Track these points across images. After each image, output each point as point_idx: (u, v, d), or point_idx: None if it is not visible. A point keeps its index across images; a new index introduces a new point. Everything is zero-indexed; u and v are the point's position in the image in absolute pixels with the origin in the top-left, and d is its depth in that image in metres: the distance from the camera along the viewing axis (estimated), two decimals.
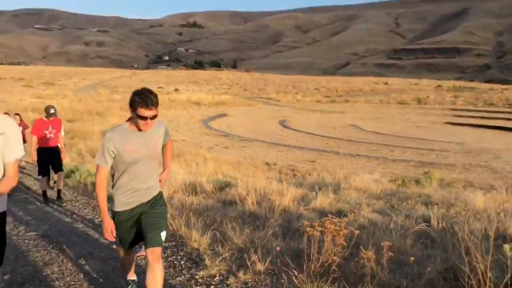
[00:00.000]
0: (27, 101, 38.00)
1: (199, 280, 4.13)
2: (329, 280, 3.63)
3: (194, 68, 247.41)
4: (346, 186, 8.78)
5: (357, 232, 3.98)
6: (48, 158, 7.88)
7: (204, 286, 3.99)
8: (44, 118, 7.90)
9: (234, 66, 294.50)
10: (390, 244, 3.69)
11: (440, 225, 5.03)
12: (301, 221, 4.86)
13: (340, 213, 6.01)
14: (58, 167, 7.98)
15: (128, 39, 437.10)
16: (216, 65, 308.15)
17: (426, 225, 4.82)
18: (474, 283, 3.23)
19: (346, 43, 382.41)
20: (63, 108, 31.69)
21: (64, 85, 75.10)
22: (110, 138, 3.20)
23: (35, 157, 7.97)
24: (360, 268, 3.80)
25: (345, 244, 3.88)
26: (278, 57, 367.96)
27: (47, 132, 7.80)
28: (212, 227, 5.36)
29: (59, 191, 7.97)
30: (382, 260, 3.67)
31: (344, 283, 3.64)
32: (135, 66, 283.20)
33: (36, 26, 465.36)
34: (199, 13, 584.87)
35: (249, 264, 4.24)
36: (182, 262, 4.65)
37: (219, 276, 4.16)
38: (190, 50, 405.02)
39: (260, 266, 4.17)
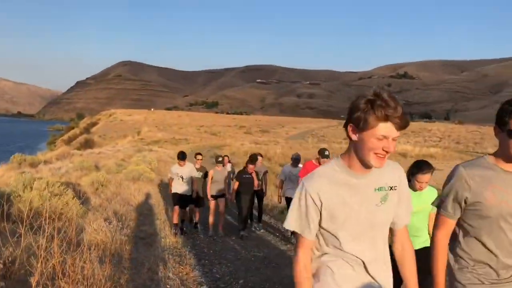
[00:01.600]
0: (246, 146, 43.04)
1: None
2: None
3: None
4: None
5: None
6: None
7: None
8: (315, 162, 7.63)
9: (447, 118, 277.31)
10: None
11: None
12: None
13: None
14: None
15: (337, 91, 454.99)
16: (426, 116, 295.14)
17: None
18: None
19: None
20: (276, 153, 34.89)
21: (277, 133, 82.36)
22: (464, 177, 2.12)
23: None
24: None
25: None
26: (496, 109, 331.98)
27: None
28: None
29: None
30: None
31: None
32: (342, 116, 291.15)
33: (258, 80, 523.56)
34: (410, 63, 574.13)
35: None
36: None
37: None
38: None
39: None
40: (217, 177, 9.14)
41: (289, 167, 8.90)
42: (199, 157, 9.79)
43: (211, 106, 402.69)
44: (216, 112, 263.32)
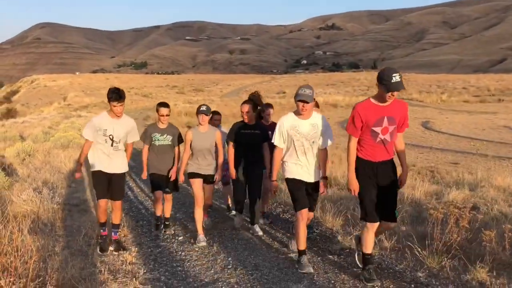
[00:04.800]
0: (180, 106, 42.42)
1: (331, 251, 4.79)
2: (449, 256, 4.00)
3: (331, 70, 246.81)
4: (485, 185, 8.58)
5: (480, 217, 4.24)
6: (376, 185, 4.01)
7: (336, 256, 4.64)
8: (373, 100, 4.02)
9: (374, 67, 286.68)
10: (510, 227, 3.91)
11: None
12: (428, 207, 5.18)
13: (473, 208, 6.12)
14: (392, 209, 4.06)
15: (268, 45, 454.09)
16: (355, 66, 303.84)
17: None
18: None
19: (502, 37, 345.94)
20: None
21: (211, 91, 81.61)
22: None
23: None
24: (481, 248, 4.08)
25: (468, 226, 4.18)
26: (422, 55, 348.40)
27: (378, 129, 3.97)
28: (345, 212, 5.96)
29: None
30: (504, 242, 3.91)
31: (465, 260, 3.97)
32: (274, 71, 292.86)
33: (187, 37, 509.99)
34: (337, 15, 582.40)
35: (377, 241, 4.77)
36: (317, 237, 5.36)
37: (349, 250, 4.77)
38: (328, 53, 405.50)
39: (386, 244, 4.67)
40: (200, 142, 5.54)
41: (293, 118, 4.52)
42: (164, 111, 5.76)
43: (140, 66, 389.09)
44: (146, 73, 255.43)
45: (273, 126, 5.41)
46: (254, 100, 5.76)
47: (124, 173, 5.29)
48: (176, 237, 5.72)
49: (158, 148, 5.81)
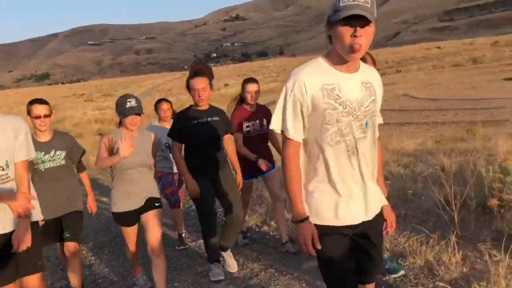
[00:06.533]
0: (89, 113, 40.75)
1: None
2: None
3: (241, 61, 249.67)
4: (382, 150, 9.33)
5: None
6: None
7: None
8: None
9: (281, 53, 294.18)
10: (390, 183, 4.38)
11: (453, 169, 5.57)
12: None
13: None
14: None
15: (175, 43, 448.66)
16: (263, 54, 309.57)
17: (435, 168, 5.43)
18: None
19: (394, 12, 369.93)
20: None
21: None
22: None
23: None
24: None
25: None
26: (324, 37, 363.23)
27: None
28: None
29: None
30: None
31: None
32: (185, 67, 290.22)
33: (89, 42, 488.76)
34: (240, 5, 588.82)
35: None
36: None
37: (254, 226, 5.04)
38: (235, 44, 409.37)
39: (287, 216, 4.98)
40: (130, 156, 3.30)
41: (326, 70, 2.04)
42: (39, 109, 3.52)
43: (42, 78, 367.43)
44: (50, 84, 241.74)
45: None
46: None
47: (35, 222, 2.74)
48: (87, 242, 5.64)
49: (45, 174, 3.50)
